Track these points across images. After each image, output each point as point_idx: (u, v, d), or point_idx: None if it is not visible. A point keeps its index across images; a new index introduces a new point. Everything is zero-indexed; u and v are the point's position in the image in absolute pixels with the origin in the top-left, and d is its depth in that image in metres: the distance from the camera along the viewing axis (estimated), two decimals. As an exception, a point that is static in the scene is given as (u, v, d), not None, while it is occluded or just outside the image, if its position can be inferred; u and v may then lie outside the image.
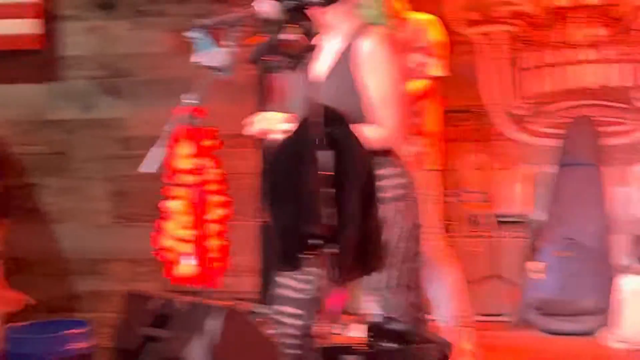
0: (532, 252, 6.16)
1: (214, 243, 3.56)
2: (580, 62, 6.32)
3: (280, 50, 4.60)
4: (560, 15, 6.34)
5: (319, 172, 2.56)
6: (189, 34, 3.71)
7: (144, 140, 7.02)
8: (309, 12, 2.61)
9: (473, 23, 6.45)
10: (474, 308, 5.97)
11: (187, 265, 3.44)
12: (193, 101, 3.50)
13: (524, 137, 6.43)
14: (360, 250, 2.59)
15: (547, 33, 6.36)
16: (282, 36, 4.66)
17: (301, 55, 5.17)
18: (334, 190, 2.58)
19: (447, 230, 6.03)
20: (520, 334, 5.95)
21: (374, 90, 3.28)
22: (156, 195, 6.86)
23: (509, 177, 6.33)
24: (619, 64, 6.26)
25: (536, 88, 6.40)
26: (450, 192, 6.16)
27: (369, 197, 2.61)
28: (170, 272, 3.45)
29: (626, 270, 5.99)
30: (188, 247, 3.48)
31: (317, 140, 2.57)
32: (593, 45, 6.29)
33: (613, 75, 6.27)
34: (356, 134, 2.60)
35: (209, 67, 3.54)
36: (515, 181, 6.30)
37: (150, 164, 3.30)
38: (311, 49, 5.02)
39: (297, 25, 2.55)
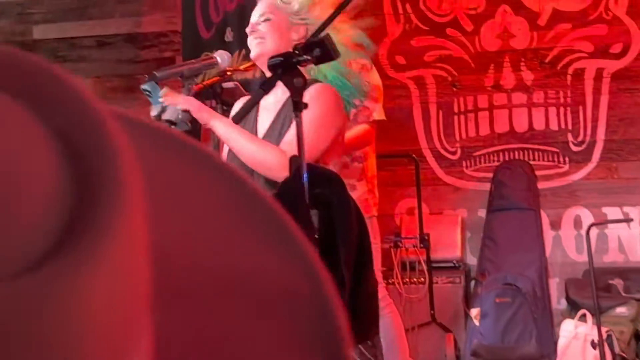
0: (471, 298, 6.10)
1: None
2: (512, 105, 6.31)
3: (220, 98, 4.48)
4: (490, 59, 6.33)
5: (308, 236, 2.41)
6: (143, 86, 3.57)
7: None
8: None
9: (405, 67, 6.40)
10: (414, 356, 5.88)
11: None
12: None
13: (457, 182, 6.39)
14: (353, 317, 2.45)
15: (478, 77, 6.35)
16: (224, 84, 4.55)
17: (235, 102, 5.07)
18: (324, 255, 2.43)
19: (384, 278, 5.95)
20: (460, 382, 5.87)
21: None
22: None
23: (444, 222, 6.26)
24: (551, 107, 6.26)
25: (469, 132, 6.37)
26: (385, 238, 6.07)
27: (362, 260, 2.47)
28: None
29: (563, 314, 5.98)
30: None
31: (304, 201, 2.43)
32: (525, 88, 6.29)
33: (546, 118, 6.27)
34: (348, 194, 2.47)
35: (164, 121, 3.40)
36: (449, 226, 6.24)
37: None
38: (243, 97, 4.92)
39: (290, 81, 2.40)
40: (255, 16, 3.31)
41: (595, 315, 5.25)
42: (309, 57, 2.40)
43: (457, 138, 6.39)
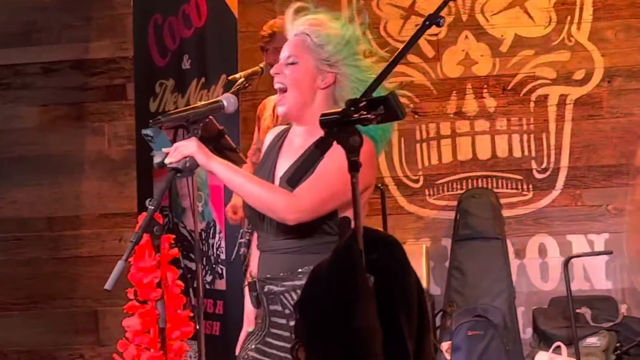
0: (440, 330, 6.00)
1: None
2: (475, 132, 6.22)
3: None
4: (453, 85, 6.24)
5: (366, 306, 2.26)
6: (144, 131, 3.37)
7: (11, 223, 6.56)
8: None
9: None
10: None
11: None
12: (154, 206, 3.15)
13: (420, 210, 6.28)
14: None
15: (441, 104, 6.25)
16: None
17: (214, 139, 4.87)
18: (384, 325, 2.29)
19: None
20: (430, 416, 5.75)
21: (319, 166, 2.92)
22: (28, 283, 6.40)
23: (408, 252, 6.09)
24: (514, 134, 6.20)
25: (431, 160, 6.27)
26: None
27: (423, 330, 2.33)
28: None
29: (531, 344, 5.91)
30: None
31: (361, 268, 2.28)
32: (487, 115, 6.21)
33: (509, 145, 6.20)
34: (407, 259, 2.33)
35: (169, 169, 3.20)
36: (414, 256, 6.10)
37: (113, 279, 2.91)
38: (222, 134, 4.74)
39: (346, 140, 2.24)
40: (282, 56, 3.14)
41: (570, 347, 5.21)
42: (371, 116, 2.24)
43: (420, 166, 6.29)
